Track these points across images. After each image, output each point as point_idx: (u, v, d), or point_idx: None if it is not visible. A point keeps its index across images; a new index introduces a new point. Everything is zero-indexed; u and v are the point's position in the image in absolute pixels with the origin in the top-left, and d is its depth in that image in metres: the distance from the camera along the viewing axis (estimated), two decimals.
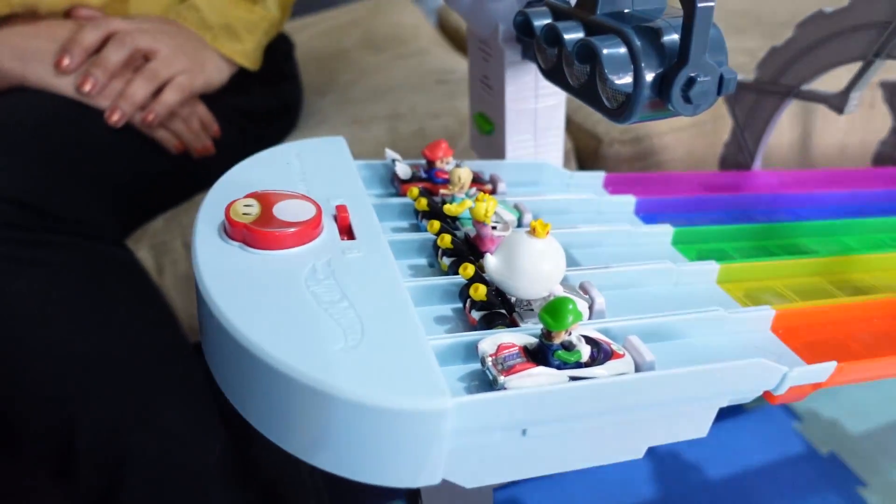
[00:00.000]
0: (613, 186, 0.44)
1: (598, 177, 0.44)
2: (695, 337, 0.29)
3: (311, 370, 0.20)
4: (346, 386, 0.20)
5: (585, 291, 0.29)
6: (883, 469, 0.72)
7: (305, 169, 0.35)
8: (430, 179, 0.38)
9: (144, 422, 0.48)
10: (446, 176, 0.38)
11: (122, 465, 0.48)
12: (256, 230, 0.26)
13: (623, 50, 0.27)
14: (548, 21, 0.33)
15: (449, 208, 0.31)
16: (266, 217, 0.27)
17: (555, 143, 0.44)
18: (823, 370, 0.28)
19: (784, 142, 0.66)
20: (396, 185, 0.38)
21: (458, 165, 0.37)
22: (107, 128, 0.51)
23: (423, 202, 0.34)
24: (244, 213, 0.27)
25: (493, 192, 0.39)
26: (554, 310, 0.23)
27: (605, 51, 0.27)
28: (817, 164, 0.68)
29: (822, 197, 0.47)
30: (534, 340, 0.25)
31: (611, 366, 0.25)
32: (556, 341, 0.24)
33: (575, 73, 0.31)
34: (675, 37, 0.27)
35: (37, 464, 0.50)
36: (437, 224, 0.31)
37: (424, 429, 0.21)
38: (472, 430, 0.22)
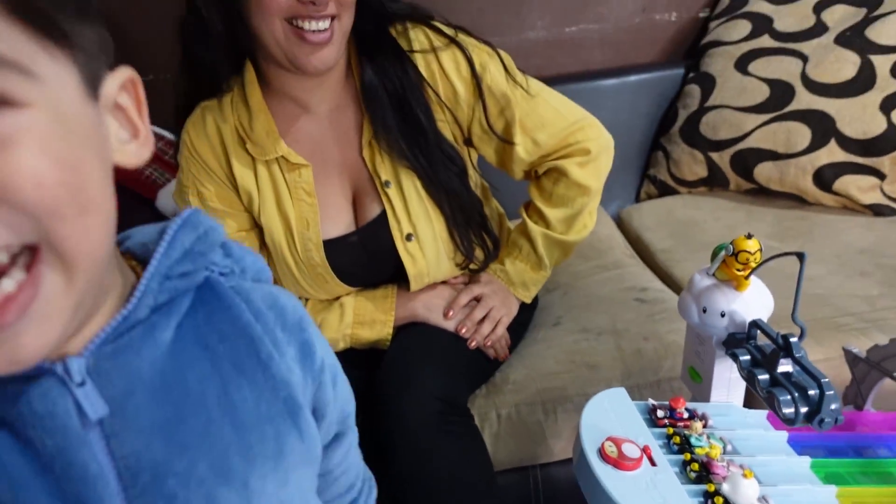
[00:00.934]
0: (774, 420, 0.76)
1: (763, 414, 0.76)
2: None
3: None
4: None
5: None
6: None
7: (614, 411, 0.70)
8: (673, 417, 0.72)
9: None
10: (682, 415, 0.72)
11: None
12: (621, 463, 0.61)
13: (790, 398, 0.60)
14: (748, 359, 0.67)
15: (699, 451, 0.65)
16: (621, 454, 0.62)
17: (739, 394, 0.77)
18: None
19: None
20: (653, 417, 0.73)
21: (691, 417, 0.71)
22: (469, 350, 0.92)
23: (678, 439, 0.68)
24: (610, 450, 0.62)
25: (704, 425, 0.72)
26: None
27: (781, 398, 0.60)
28: None
29: None
30: None
31: None
32: None
33: (761, 390, 0.65)
34: (815, 393, 0.60)
35: None
36: (688, 455, 0.65)
37: None
38: None
